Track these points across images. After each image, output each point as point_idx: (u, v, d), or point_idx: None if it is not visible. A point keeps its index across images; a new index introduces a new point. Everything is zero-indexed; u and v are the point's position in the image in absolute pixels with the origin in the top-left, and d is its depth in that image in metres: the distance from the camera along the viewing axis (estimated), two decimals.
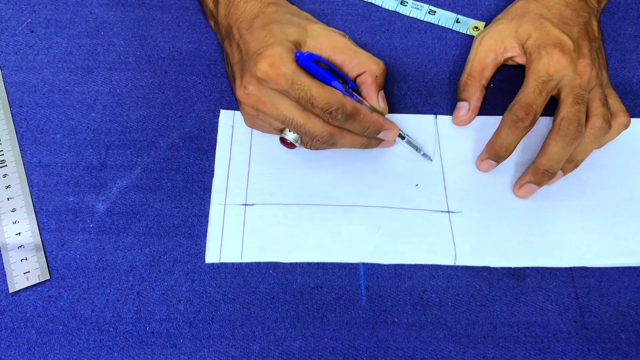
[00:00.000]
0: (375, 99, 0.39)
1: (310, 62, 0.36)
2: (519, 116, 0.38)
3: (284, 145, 0.40)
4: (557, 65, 0.39)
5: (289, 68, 0.35)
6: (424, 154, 0.42)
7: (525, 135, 0.39)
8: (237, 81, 0.38)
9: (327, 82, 0.37)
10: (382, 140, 0.40)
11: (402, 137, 0.42)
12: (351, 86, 0.38)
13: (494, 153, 0.40)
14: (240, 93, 0.38)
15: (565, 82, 0.40)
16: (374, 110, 0.39)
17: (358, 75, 0.39)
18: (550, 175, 0.39)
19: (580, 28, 0.42)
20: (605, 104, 0.40)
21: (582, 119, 0.38)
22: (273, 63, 0.35)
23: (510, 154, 0.40)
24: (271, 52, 0.36)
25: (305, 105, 0.36)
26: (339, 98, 0.36)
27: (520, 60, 0.43)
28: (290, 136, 0.39)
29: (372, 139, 0.40)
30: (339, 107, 0.36)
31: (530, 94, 0.39)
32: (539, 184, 0.40)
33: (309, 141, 0.38)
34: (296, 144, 0.39)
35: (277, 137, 0.43)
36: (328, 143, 0.38)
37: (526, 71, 0.41)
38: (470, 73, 0.44)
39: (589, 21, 0.43)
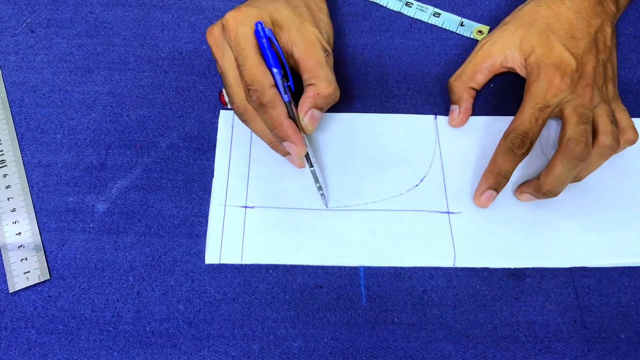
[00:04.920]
0: (304, 111, 0.38)
1: (261, 36, 0.36)
2: (515, 144, 0.38)
3: (221, 100, 0.40)
4: (555, 90, 0.38)
5: (243, 29, 0.36)
6: (322, 195, 0.40)
7: (522, 160, 0.39)
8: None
9: (268, 66, 0.36)
10: (288, 152, 0.39)
11: (310, 164, 0.39)
12: (290, 84, 0.38)
13: (494, 181, 0.40)
14: (208, 30, 0.39)
15: (567, 103, 0.39)
16: (299, 123, 0.38)
17: (308, 86, 0.38)
18: (552, 196, 0.39)
19: (589, 41, 0.41)
20: (614, 120, 0.39)
21: (589, 139, 0.37)
22: (236, 18, 0.37)
23: (508, 181, 0.40)
24: (244, 9, 0.37)
25: (238, 69, 0.37)
26: (264, 83, 0.36)
27: (521, 72, 0.43)
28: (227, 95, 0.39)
29: (279, 143, 0.39)
30: (258, 91, 0.36)
31: (527, 122, 0.38)
32: (540, 198, 0.40)
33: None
34: (229, 105, 0.39)
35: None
36: (241, 118, 0.39)
37: (525, 92, 0.40)
38: (459, 75, 0.44)
39: (601, 29, 0.42)
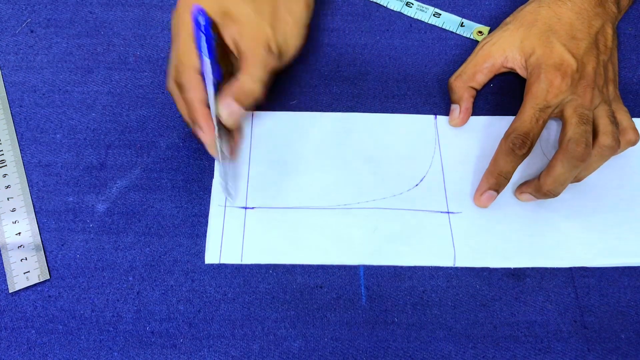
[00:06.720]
0: (223, 99, 0.37)
1: (198, 23, 0.35)
2: (516, 144, 0.38)
3: None
4: (555, 91, 0.39)
5: (186, 12, 0.37)
6: (227, 189, 0.40)
7: (522, 161, 0.39)
8: None
9: (198, 51, 0.36)
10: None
11: (221, 157, 0.39)
12: (217, 77, 0.36)
13: (495, 182, 0.40)
14: (174, 8, 0.40)
15: (567, 103, 0.39)
16: (217, 112, 0.37)
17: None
18: (552, 196, 0.39)
19: (590, 41, 0.41)
20: (614, 121, 0.39)
21: (590, 140, 0.37)
22: (187, 0, 0.37)
23: (508, 182, 0.40)
24: None
25: None
26: (187, 64, 0.37)
27: (521, 73, 0.43)
28: None
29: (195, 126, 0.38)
30: (179, 72, 0.37)
31: (527, 122, 0.38)
32: (540, 199, 0.40)
33: None
34: None
35: (275, 140, 0.43)
36: (171, 95, 0.40)
37: (525, 92, 0.40)
38: (459, 74, 0.44)
39: (602, 30, 0.42)
